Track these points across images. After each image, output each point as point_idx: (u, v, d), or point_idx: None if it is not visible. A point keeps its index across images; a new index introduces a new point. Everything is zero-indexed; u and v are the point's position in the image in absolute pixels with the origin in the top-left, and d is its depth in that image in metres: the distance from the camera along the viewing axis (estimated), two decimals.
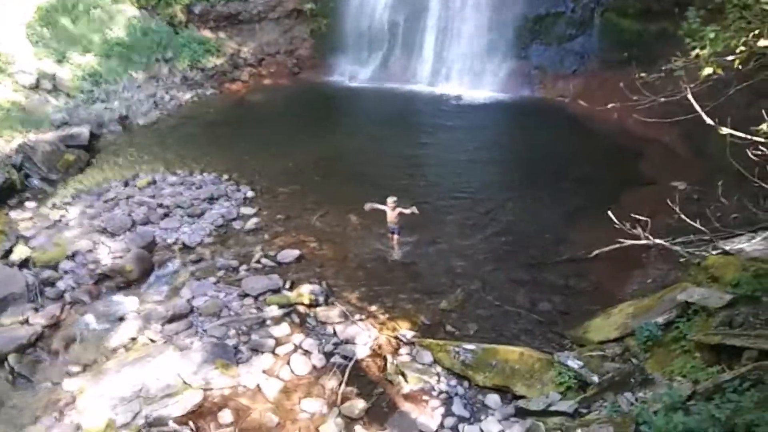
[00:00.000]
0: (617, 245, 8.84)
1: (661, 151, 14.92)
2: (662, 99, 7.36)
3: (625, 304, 8.76)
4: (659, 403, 6.06)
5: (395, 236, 10.99)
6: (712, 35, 6.49)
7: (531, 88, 20.35)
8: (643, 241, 6.38)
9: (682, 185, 12.22)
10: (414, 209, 10.52)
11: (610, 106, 8.24)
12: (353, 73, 22.91)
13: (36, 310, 9.52)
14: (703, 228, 6.74)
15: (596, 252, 9.79)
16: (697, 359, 6.78)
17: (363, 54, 23.27)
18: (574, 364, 7.34)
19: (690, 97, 6.57)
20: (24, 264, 10.63)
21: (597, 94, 17.03)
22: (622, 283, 9.81)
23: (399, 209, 10.52)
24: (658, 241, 6.25)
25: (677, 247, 6.72)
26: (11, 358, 8.48)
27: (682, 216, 6.41)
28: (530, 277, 10.24)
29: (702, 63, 6.49)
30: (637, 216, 6.94)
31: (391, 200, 10.53)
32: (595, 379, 7.05)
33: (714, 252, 7.63)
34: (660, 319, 7.57)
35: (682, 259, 7.47)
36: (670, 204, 7.02)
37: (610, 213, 6.81)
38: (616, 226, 7.13)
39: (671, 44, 8.88)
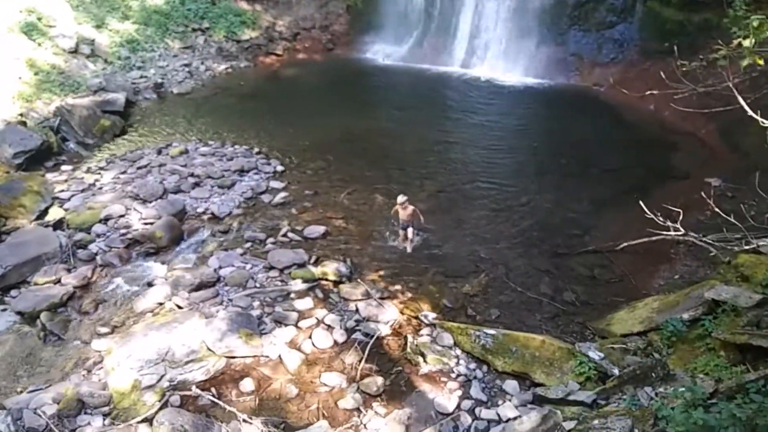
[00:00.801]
0: (646, 239, 8.79)
1: (697, 145, 14.65)
2: (702, 89, 7.21)
3: (650, 298, 8.69)
4: (680, 399, 6.01)
5: (408, 231, 10.54)
6: (756, 23, 6.28)
7: (566, 74, 20.06)
8: (673, 234, 6.25)
9: (716, 182, 11.99)
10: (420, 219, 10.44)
11: (647, 93, 8.09)
12: (387, 51, 22.81)
13: (68, 270, 9.79)
14: (736, 223, 6.60)
15: (624, 244, 9.74)
16: (722, 358, 6.73)
17: (398, 33, 23.15)
18: (595, 355, 7.34)
19: (731, 86, 6.41)
20: (58, 225, 10.90)
21: (634, 84, 16.76)
22: (649, 277, 9.69)
23: (411, 207, 10.24)
24: (690, 235, 6.14)
25: (709, 241, 6.60)
26: (43, 316, 8.75)
27: (716, 209, 6.28)
28: (555, 265, 10.18)
29: (745, 53, 6.29)
30: (668, 208, 6.82)
31: (400, 199, 10.24)
32: (616, 371, 7.04)
33: (746, 247, 7.49)
34: (686, 316, 7.49)
35: (711, 253, 7.34)
36: (704, 197, 6.88)
37: (641, 203, 6.69)
38: (646, 218, 7.04)
39: (714, 36, 8.68)
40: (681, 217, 6.82)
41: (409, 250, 10.60)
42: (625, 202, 11.28)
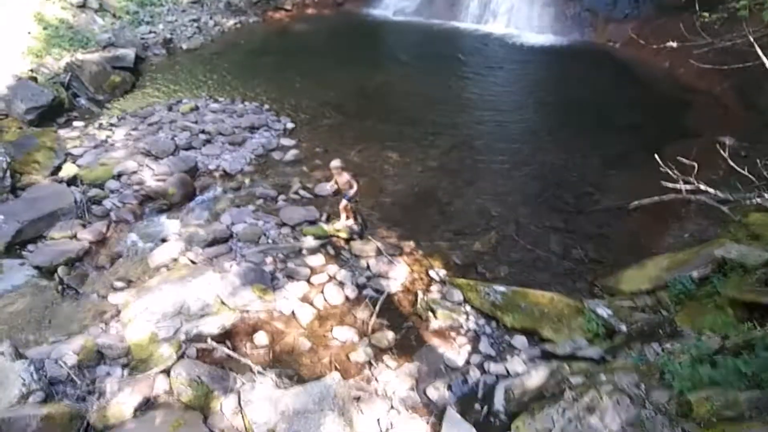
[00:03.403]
0: (657, 197, 8.75)
1: (711, 104, 14.44)
2: (720, 44, 7.06)
3: (660, 256, 8.72)
4: (686, 354, 6.12)
5: (342, 202, 9.65)
6: None
7: (580, 31, 19.68)
8: (685, 187, 6.18)
9: (730, 140, 11.83)
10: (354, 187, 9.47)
11: (663, 46, 7.92)
12: (398, 6, 22.39)
13: (83, 226, 9.91)
14: (749, 176, 6.53)
15: (635, 203, 9.69)
16: (729, 315, 6.79)
17: None
18: (603, 312, 7.43)
19: (752, 39, 6.27)
20: (72, 181, 11.00)
21: (649, 41, 16.36)
22: (659, 235, 9.70)
23: (345, 174, 9.37)
24: (702, 187, 6.07)
25: (720, 195, 6.52)
26: (61, 270, 8.90)
27: (730, 162, 6.19)
28: (565, 224, 10.21)
29: (766, 4, 6.15)
30: (683, 160, 6.74)
31: (333, 164, 9.31)
32: (624, 328, 7.14)
33: (758, 200, 7.43)
34: (695, 274, 7.54)
35: (724, 207, 7.29)
36: (720, 151, 6.80)
37: (656, 156, 6.62)
38: (657, 177, 6.97)
39: None
40: (695, 172, 6.75)
41: (339, 225, 9.71)
42: (636, 160, 11.22)
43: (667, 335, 6.92)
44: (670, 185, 7.06)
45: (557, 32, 19.67)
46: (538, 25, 20.02)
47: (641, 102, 14.84)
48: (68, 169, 11.31)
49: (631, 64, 16.89)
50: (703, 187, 6.62)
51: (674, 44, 7.94)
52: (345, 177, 9.40)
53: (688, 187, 6.79)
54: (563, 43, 19.20)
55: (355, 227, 9.76)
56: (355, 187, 9.50)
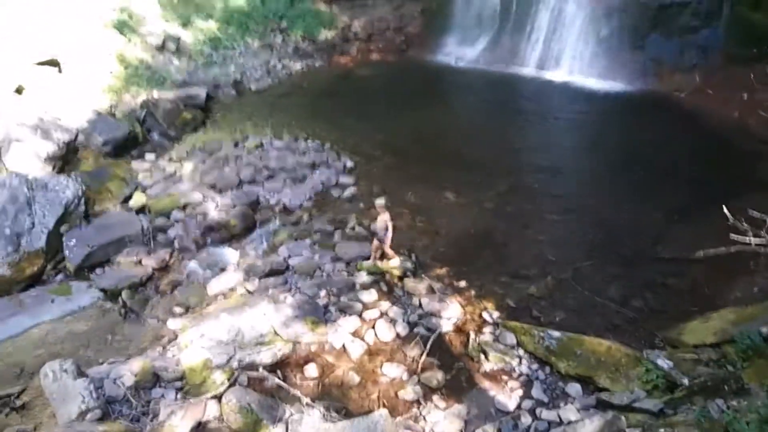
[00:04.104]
0: (724, 248, 8.47)
1: None
2: None
3: (726, 309, 8.33)
4: (754, 413, 5.80)
5: (374, 242, 9.97)
6: None
7: (645, 80, 19.36)
8: (754, 241, 5.99)
9: None
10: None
11: (732, 95, 7.76)
12: (460, 53, 22.69)
13: (148, 253, 10.31)
14: None
15: (700, 253, 9.40)
16: None
17: (471, 35, 22.95)
18: (664, 363, 7.13)
19: None
20: (140, 210, 11.51)
21: (717, 91, 16.08)
22: (725, 288, 9.28)
23: (385, 214, 9.72)
24: None
25: None
26: (125, 294, 9.28)
27: None
28: (625, 272, 9.90)
29: None
30: (753, 213, 6.52)
31: (377, 202, 9.40)
32: (686, 381, 6.82)
33: None
34: (764, 329, 7.15)
35: None
36: None
37: (724, 208, 6.44)
38: (723, 231, 6.79)
39: None
40: (767, 225, 6.53)
41: (368, 263, 9.64)
42: (701, 213, 10.85)
43: (733, 392, 6.57)
44: (738, 238, 6.86)
45: (621, 80, 19.41)
46: (602, 72, 19.81)
47: (708, 153, 14.40)
48: (138, 199, 11.84)
49: (698, 114, 16.47)
50: None
51: (744, 95, 7.80)
52: (383, 217, 9.43)
53: (758, 241, 6.58)
54: (627, 92, 18.93)
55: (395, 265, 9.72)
56: (390, 229, 9.50)
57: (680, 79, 18.76)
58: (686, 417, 6.31)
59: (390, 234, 9.71)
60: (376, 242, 9.80)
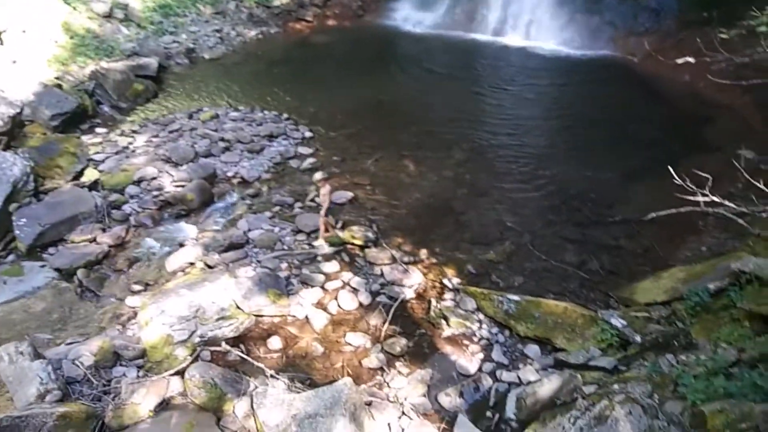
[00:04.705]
0: (674, 209, 8.72)
1: (732, 119, 14.28)
2: (740, 59, 7.05)
3: (675, 268, 8.65)
4: (701, 366, 6.07)
5: (320, 215, 9.99)
6: None
7: (601, 44, 19.62)
8: (702, 200, 6.15)
9: (750, 154, 11.72)
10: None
11: (681, 61, 7.92)
12: (417, 18, 22.55)
13: (103, 230, 10.08)
14: (767, 189, 6.48)
15: (652, 215, 9.65)
16: (746, 328, 6.70)
17: (428, 0, 22.84)
18: (617, 322, 7.38)
19: None
20: (93, 186, 11.17)
21: (670, 55, 16.35)
22: (675, 248, 9.62)
23: (327, 187, 9.76)
24: (718, 200, 6.04)
25: (736, 207, 6.48)
26: (80, 273, 9.06)
27: (746, 176, 6.17)
28: (581, 235, 10.16)
29: None
30: (700, 173, 6.70)
31: (316, 176, 9.40)
32: (638, 338, 7.09)
33: None
34: (711, 286, 7.46)
35: (741, 220, 7.23)
36: (736, 169, 6.77)
37: (670, 169, 6.61)
38: (674, 191, 6.96)
39: (757, 7, 8.43)
40: (711, 185, 6.72)
41: (317, 243, 9.62)
42: (654, 174, 11.08)
43: (682, 347, 6.85)
44: (688, 198, 7.05)
45: (576, 45, 19.65)
46: (557, 37, 20.01)
47: (660, 116, 14.74)
48: (90, 174, 11.51)
49: (651, 77, 16.80)
50: (719, 199, 6.60)
51: (691, 59, 7.94)
52: (324, 190, 9.41)
53: (706, 199, 6.78)
54: (583, 56, 19.17)
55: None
56: (326, 202, 9.66)
57: (634, 43, 19.03)
58: (639, 372, 6.58)
59: (325, 207, 9.88)
60: (321, 216, 9.86)
